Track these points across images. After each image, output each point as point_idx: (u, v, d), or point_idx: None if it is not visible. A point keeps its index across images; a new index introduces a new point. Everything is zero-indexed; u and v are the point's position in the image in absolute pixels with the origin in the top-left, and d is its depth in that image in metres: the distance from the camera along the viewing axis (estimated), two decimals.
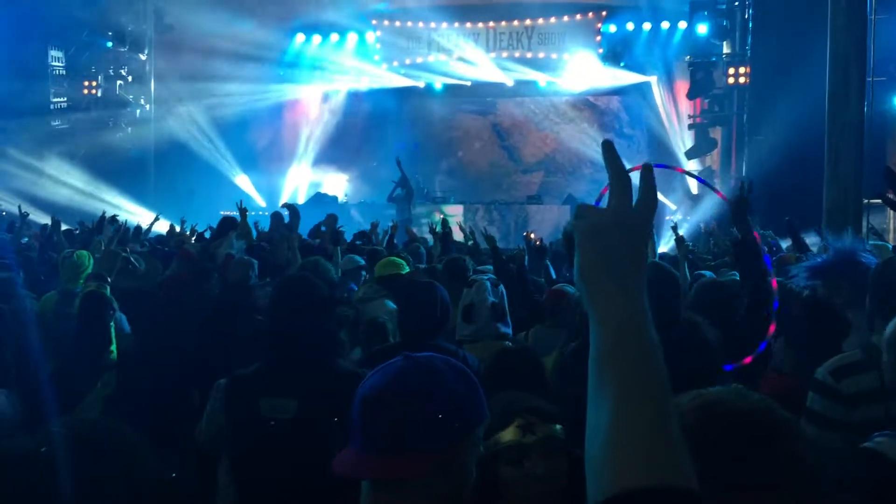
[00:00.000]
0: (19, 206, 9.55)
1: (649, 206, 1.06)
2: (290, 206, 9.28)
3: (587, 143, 21.98)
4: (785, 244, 8.26)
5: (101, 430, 1.63)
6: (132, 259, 4.21)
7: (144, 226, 9.97)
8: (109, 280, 2.99)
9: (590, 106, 22.38)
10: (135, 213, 12.77)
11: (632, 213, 1.05)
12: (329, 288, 4.26)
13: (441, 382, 1.52)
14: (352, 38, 22.63)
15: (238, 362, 3.47)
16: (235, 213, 7.87)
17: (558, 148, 22.37)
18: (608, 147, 1.09)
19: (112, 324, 3.14)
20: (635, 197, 1.06)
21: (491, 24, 21.94)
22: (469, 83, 22.13)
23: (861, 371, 2.67)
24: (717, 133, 18.78)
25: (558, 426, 1.98)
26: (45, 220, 10.54)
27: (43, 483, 1.50)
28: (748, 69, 17.11)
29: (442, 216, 8.02)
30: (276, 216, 10.23)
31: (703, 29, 17.79)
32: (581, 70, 21.37)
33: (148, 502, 1.59)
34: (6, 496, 1.53)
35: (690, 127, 19.38)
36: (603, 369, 0.98)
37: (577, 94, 21.92)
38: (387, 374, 1.56)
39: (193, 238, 9.02)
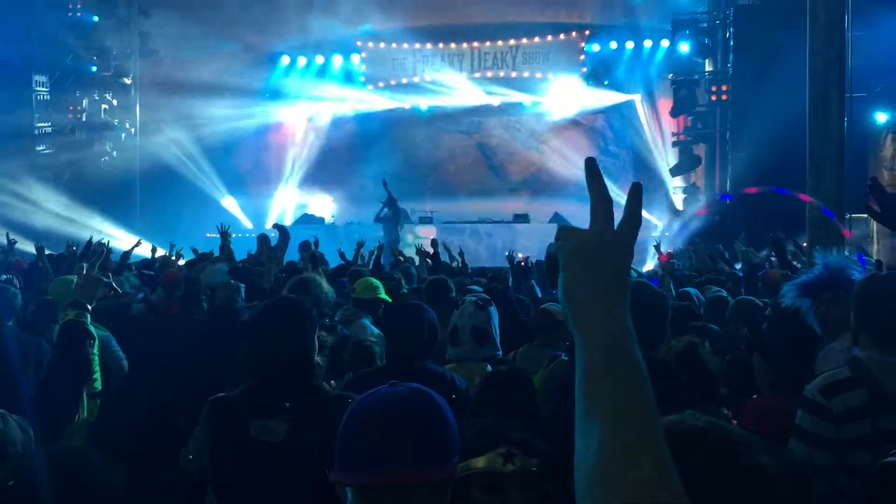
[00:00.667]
0: (7, 234, 9.45)
1: (633, 226, 1.05)
2: (280, 227, 9.23)
3: (573, 161, 22.10)
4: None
5: (73, 460, 1.63)
6: (114, 285, 4.14)
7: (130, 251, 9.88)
8: (90, 307, 2.90)
9: (575, 124, 22.51)
10: (120, 238, 12.71)
11: (615, 233, 1.04)
12: (317, 308, 4.26)
13: (437, 406, 1.57)
14: (337, 60, 22.75)
15: (226, 386, 3.46)
16: (249, 234, 7.77)
17: (544, 167, 22.47)
18: (591, 165, 1.09)
19: (95, 352, 3.09)
20: (618, 216, 1.06)
21: (475, 44, 22.11)
22: (454, 104, 22.24)
23: (850, 388, 2.68)
24: (700, 150, 18.93)
25: (536, 460, 1.99)
26: (29, 246, 10.47)
27: None
28: (729, 86, 17.30)
29: (420, 238, 8.02)
30: (262, 238, 10.20)
31: (685, 47, 17.98)
32: (565, 93, 21.58)
33: None
34: None
35: (674, 144, 19.53)
36: (590, 391, 0.97)
37: (561, 120, 22.06)
38: (384, 395, 1.58)
39: (180, 262, 8.98)
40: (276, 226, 9.96)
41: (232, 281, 6.08)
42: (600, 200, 1.06)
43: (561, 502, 1.94)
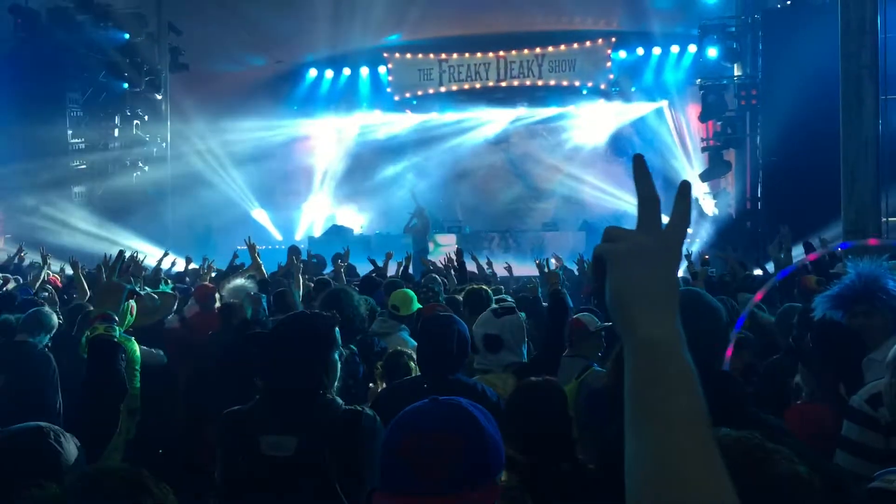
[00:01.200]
0: (42, 249, 9.58)
1: (682, 227, 1.04)
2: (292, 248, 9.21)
3: (600, 168, 22.04)
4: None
5: (120, 476, 1.64)
6: (139, 291, 4.10)
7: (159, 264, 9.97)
8: (117, 318, 2.78)
9: (600, 131, 22.37)
10: (151, 254, 12.85)
11: (664, 234, 1.03)
12: (347, 321, 4.27)
13: (477, 423, 1.56)
14: (364, 71, 22.87)
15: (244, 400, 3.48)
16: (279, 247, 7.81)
17: (572, 174, 22.38)
18: (639, 162, 1.07)
19: (137, 367, 3.09)
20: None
21: (501, 53, 22.11)
22: (480, 114, 22.27)
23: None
24: (730, 155, 18.74)
25: (517, 478, 1.98)
26: (60, 262, 10.61)
27: None
28: (759, 90, 17.12)
29: (440, 245, 8.05)
30: (292, 250, 10.29)
31: (713, 52, 17.83)
32: (594, 89, 21.55)
33: None
34: None
35: (704, 150, 19.35)
36: (640, 395, 0.96)
37: (590, 105, 21.93)
38: (423, 414, 1.58)
39: (212, 275, 9.06)
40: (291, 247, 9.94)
41: (252, 293, 6.12)
42: (647, 199, 1.05)
43: None
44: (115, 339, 2.68)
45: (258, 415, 2.70)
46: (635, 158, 1.07)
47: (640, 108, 21.47)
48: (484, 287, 6.03)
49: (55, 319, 5.34)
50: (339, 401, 2.74)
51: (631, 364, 0.98)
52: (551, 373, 3.78)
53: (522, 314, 4.47)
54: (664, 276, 1.00)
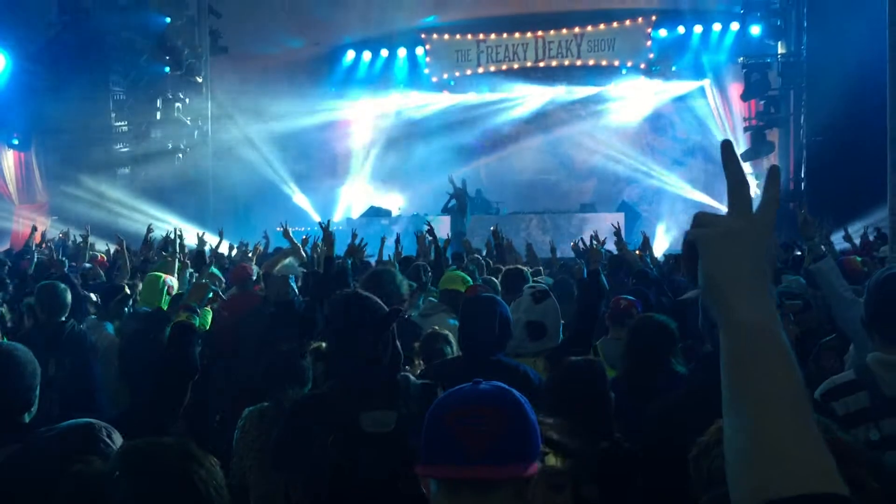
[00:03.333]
0: (87, 228, 9.76)
1: (773, 209, 1.06)
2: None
3: (637, 148, 21.81)
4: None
5: (178, 454, 1.66)
6: (220, 294, 4.23)
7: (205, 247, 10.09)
8: (199, 312, 3.14)
9: (640, 111, 22.07)
10: (192, 234, 13.03)
11: (755, 217, 1.04)
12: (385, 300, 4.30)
13: (519, 404, 1.61)
14: (401, 52, 22.85)
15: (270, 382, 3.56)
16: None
17: (610, 155, 22.17)
18: (727, 148, 1.08)
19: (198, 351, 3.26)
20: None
21: (539, 33, 21.91)
22: (518, 94, 22.13)
23: (850, 392, 2.65)
24: (773, 135, 18.42)
25: (567, 461, 1.99)
26: (108, 244, 10.80)
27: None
28: (804, 69, 16.77)
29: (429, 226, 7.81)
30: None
31: (756, 30, 17.52)
32: (634, 68, 21.27)
33: None
34: None
35: (746, 129, 19.06)
36: (737, 375, 0.98)
37: (630, 84, 21.59)
38: (468, 392, 1.62)
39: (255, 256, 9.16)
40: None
41: (281, 274, 6.22)
42: (737, 184, 1.06)
43: None
44: (195, 326, 3.04)
45: (348, 393, 2.74)
46: (724, 144, 1.09)
47: (680, 87, 21.14)
48: (521, 267, 6.02)
49: (69, 297, 5.27)
50: (411, 376, 2.84)
51: (729, 346, 0.99)
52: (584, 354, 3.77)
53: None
54: (757, 259, 1.02)
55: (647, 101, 21.68)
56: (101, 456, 1.87)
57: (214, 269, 6.60)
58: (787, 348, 0.98)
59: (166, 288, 5.64)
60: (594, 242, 6.29)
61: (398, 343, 2.82)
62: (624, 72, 21.52)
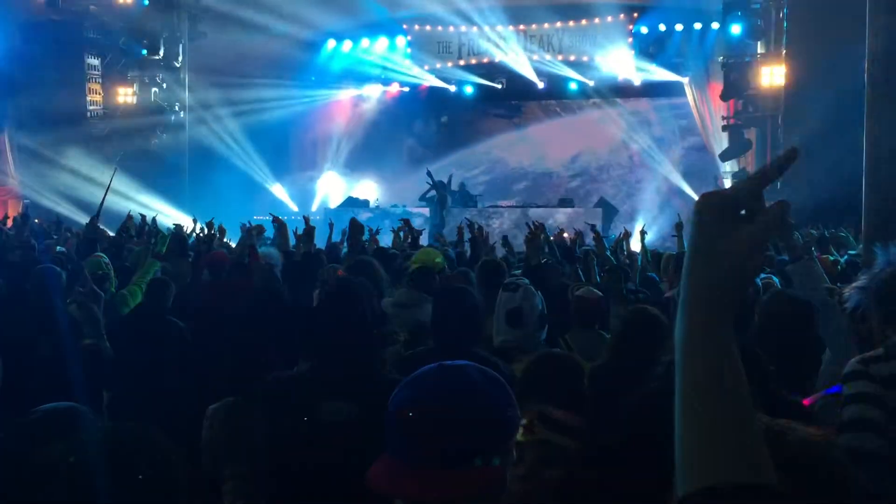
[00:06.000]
0: (57, 217, 9.67)
1: (768, 234, 1.01)
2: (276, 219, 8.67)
3: (615, 145, 21.88)
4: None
5: (134, 434, 1.64)
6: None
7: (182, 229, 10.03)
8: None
9: (618, 108, 22.16)
10: (171, 217, 12.91)
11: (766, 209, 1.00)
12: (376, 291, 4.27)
13: (477, 394, 1.49)
14: (382, 42, 22.72)
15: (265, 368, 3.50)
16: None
17: (588, 150, 22.22)
18: (791, 156, 1.02)
19: None
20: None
21: (521, 26, 21.88)
22: (499, 86, 22.10)
23: (886, 360, 2.67)
24: (751, 134, 18.52)
25: (563, 438, 1.94)
26: (85, 220, 10.69)
27: (77, 490, 1.52)
28: (783, 69, 16.86)
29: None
30: (353, 222, 10.16)
31: (736, 29, 17.58)
32: (613, 64, 21.24)
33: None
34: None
35: (724, 128, 19.15)
36: (682, 358, 0.98)
37: (608, 81, 21.54)
38: (422, 386, 1.53)
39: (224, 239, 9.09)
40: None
41: (263, 262, 6.14)
42: (762, 177, 1.01)
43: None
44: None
45: (315, 381, 2.73)
46: (789, 152, 1.02)
47: (661, 73, 21.12)
48: (496, 259, 5.96)
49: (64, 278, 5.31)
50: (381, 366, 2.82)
51: (681, 332, 0.99)
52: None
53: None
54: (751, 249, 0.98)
55: (627, 98, 21.70)
56: (81, 440, 1.84)
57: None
58: (731, 345, 0.97)
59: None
60: (529, 234, 6.17)
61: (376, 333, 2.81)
62: (604, 68, 21.54)
